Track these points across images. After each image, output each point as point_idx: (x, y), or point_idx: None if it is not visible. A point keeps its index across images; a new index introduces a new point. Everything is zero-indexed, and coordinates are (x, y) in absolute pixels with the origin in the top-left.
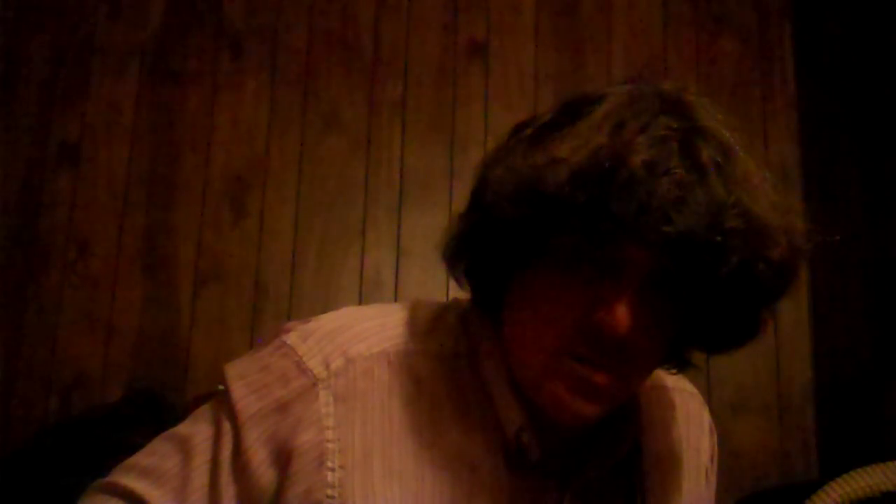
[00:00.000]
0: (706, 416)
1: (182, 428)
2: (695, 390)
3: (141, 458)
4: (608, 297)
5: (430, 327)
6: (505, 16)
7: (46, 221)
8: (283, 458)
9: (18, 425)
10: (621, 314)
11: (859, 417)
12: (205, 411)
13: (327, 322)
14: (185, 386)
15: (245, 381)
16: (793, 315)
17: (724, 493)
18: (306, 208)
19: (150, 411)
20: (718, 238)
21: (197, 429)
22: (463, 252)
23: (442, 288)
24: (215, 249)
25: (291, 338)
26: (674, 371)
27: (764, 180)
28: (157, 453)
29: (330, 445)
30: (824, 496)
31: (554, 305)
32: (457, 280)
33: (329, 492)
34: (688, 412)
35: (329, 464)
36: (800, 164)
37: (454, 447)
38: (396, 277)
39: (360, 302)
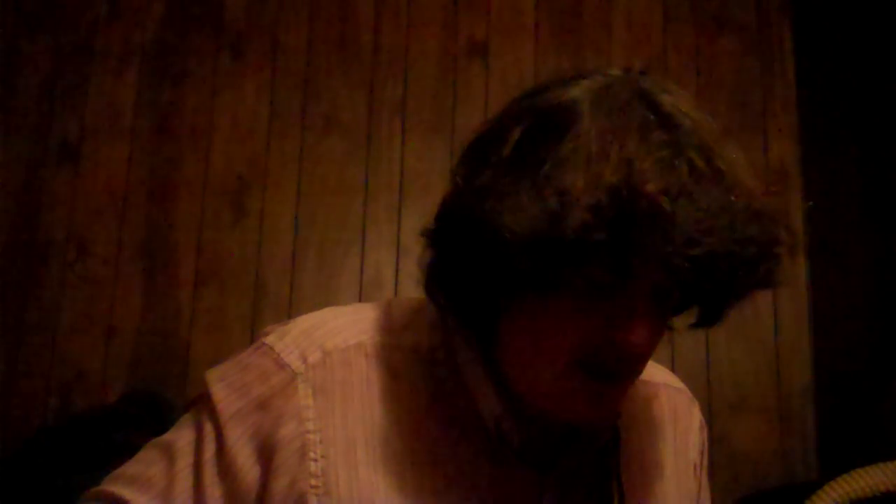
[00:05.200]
0: (696, 413)
1: (166, 435)
2: (683, 386)
3: (128, 466)
4: (623, 314)
5: (406, 322)
6: (505, 16)
7: (46, 221)
8: (267, 453)
9: (18, 425)
10: (639, 331)
11: (859, 417)
12: (187, 417)
13: (304, 321)
14: (185, 386)
15: (225, 382)
16: (793, 315)
17: (724, 493)
18: (306, 208)
19: (150, 411)
20: (736, 248)
21: (180, 434)
22: (451, 284)
23: None
24: (215, 249)
25: (269, 338)
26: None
27: (745, 169)
28: (143, 461)
29: (311, 437)
30: (824, 496)
31: (555, 333)
32: (439, 307)
33: (313, 482)
34: (675, 408)
35: (311, 454)
36: (800, 164)
37: (434, 439)
38: (396, 277)
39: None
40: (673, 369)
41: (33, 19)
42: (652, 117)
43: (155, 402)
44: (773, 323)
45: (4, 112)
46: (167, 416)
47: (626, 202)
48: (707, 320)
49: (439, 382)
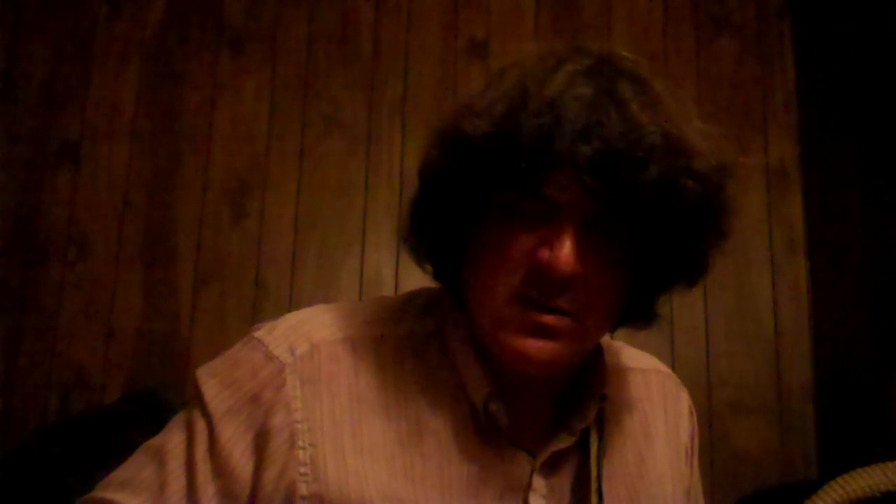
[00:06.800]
0: (684, 397)
1: (156, 439)
2: (670, 372)
3: (120, 471)
4: (550, 237)
5: (397, 312)
6: (505, 16)
7: (46, 221)
8: (261, 444)
9: (18, 425)
10: (564, 251)
11: (859, 417)
12: (177, 419)
13: (293, 316)
14: (185, 386)
15: (217, 379)
16: (793, 315)
17: (724, 493)
18: (306, 208)
19: (150, 411)
20: (639, 154)
21: (170, 436)
22: (417, 230)
23: None
24: (215, 249)
25: (259, 333)
26: (641, 327)
27: (683, 107)
28: (134, 465)
29: (299, 426)
30: (824, 496)
31: (501, 258)
32: (417, 262)
33: (302, 469)
34: (664, 393)
35: (300, 443)
36: (800, 164)
37: (422, 422)
38: (396, 277)
39: None
40: (673, 369)
41: (33, 19)
42: (577, 51)
43: (155, 402)
44: (773, 323)
45: (4, 112)
46: (167, 416)
47: (517, 103)
48: (662, 261)
49: (429, 368)
